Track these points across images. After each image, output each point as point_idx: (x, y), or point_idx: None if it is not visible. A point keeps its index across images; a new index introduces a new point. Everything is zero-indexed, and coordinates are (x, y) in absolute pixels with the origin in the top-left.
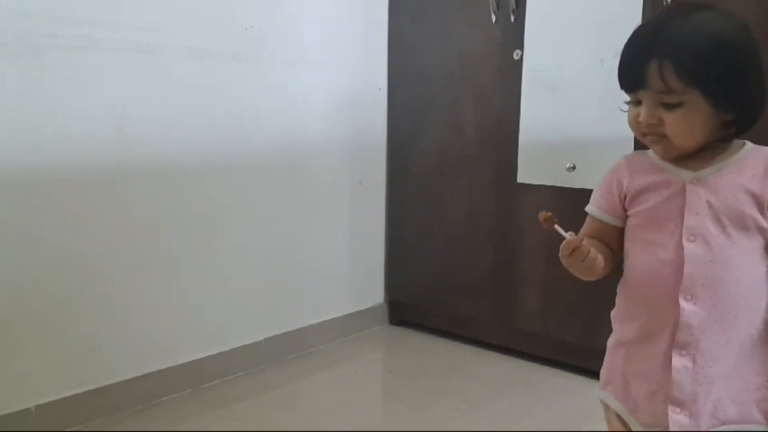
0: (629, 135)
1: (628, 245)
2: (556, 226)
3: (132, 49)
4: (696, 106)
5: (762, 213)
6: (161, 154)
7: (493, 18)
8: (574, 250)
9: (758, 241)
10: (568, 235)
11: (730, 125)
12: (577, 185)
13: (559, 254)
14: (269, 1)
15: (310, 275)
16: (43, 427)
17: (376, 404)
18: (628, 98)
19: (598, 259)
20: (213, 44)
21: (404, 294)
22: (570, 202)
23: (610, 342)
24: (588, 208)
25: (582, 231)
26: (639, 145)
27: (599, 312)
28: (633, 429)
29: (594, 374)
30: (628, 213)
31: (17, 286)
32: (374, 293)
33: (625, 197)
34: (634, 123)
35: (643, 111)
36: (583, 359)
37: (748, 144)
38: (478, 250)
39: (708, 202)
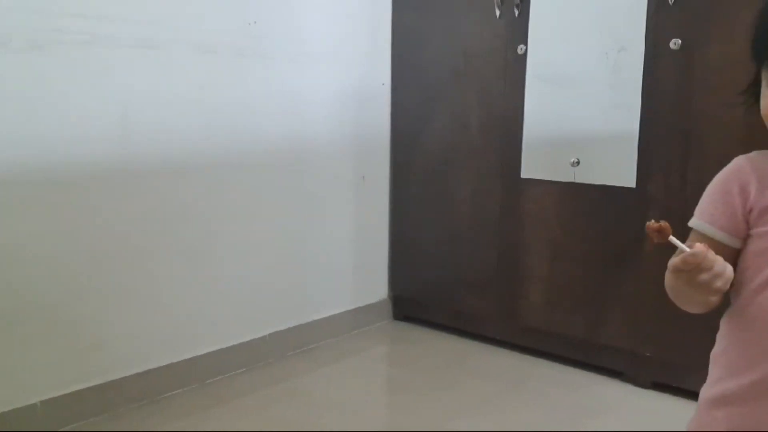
0: (634, 130)
1: (751, 274)
2: (672, 238)
3: (136, 44)
4: None
5: None
6: (165, 149)
7: (498, 13)
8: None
9: None
10: (687, 248)
11: None
12: (581, 180)
13: (671, 272)
14: None
15: (314, 271)
16: (48, 423)
17: (381, 399)
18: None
19: (727, 271)
20: (217, 39)
21: (408, 289)
22: (574, 198)
23: (705, 395)
24: (696, 223)
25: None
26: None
27: (603, 307)
28: None
29: (598, 369)
30: (752, 232)
31: (22, 282)
32: (378, 289)
33: (750, 211)
34: None
35: None
36: (587, 354)
37: None
38: (482, 245)
39: None
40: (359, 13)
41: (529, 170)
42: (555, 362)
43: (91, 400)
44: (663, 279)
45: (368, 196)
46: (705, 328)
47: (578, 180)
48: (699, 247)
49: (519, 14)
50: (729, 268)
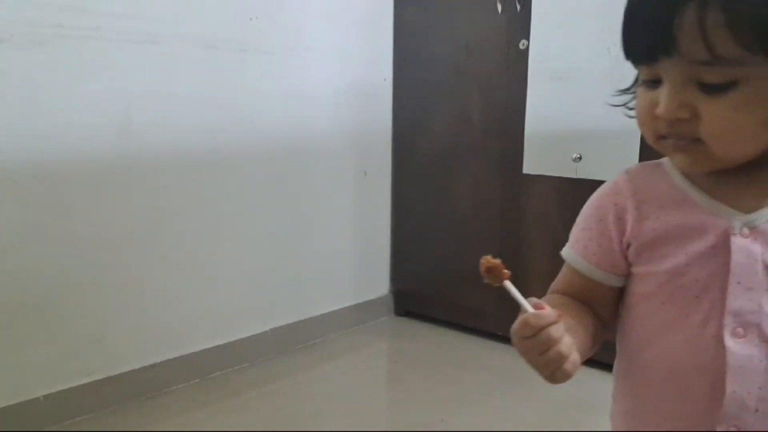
0: (636, 126)
1: (636, 321)
2: (508, 284)
3: (138, 39)
4: (757, 90)
5: None
6: (167, 144)
7: (499, 8)
8: (537, 331)
9: None
10: (528, 305)
11: None
12: (582, 176)
13: (512, 332)
14: None
15: (316, 266)
16: (50, 417)
17: (382, 394)
18: (633, 79)
19: (569, 359)
20: (219, 34)
21: (410, 285)
22: (575, 194)
23: None
24: (568, 254)
25: (555, 285)
26: (648, 150)
27: None
28: None
29: (597, 364)
30: (633, 271)
31: (25, 276)
32: (380, 284)
33: (629, 246)
34: (647, 116)
35: (664, 95)
36: None
37: None
38: (484, 240)
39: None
40: (361, 8)
41: (530, 166)
42: None
43: (93, 395)
44: None
45: (370, 192)
46: None
47: (580, 175)
48: (538, 311)
49: (521, 9)
50: (572, 356)
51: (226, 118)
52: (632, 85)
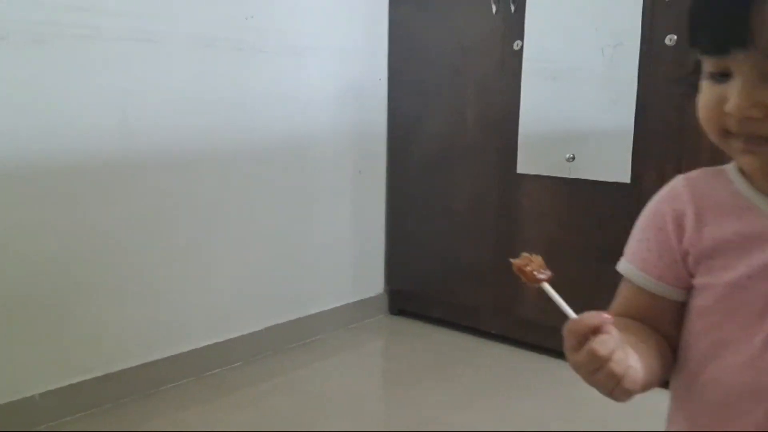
0: (630, 126)
1: (690, 340)
2: (547, 287)
3: (135, 37)
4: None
5: None
6: (164, 142)
7: (494, 8)
8: (582, 340)
9: None
10: (570, 310)
11: None
12: (576, 176)
13: (565, 348)
14: None
15: (311, 265)
16: (47, 415)
17: (377, 393)
18: (692, 68)
19: (625, 377)
20: (215, 33)
21: (405, 283)
22: (569, 193)
23: None
24: (625, 268)
25: (613, 306)
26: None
27: (598, 301)
28: None
29: None
30: (694, 282)
31: (23, 273)
32: (375, 283)
33: (687, 254)
34: (713, 112)
35: (736, 91)
36: None
37: None
38: (479, 239)
39: None
40: (356, 8)
41: (525, 165)
42: (551, 356)
43: (89, 393)
44: None
45: (365, 191)
46: None
47: (573, 175)
48: (606, 333)
49: (515, 10)
50: (632, 371)
51: (223, 117)
52: (690, 74)
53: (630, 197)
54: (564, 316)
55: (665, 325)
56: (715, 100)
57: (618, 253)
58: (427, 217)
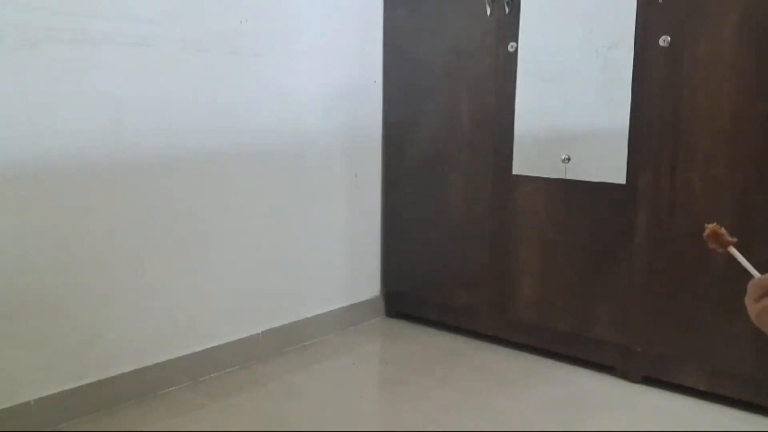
0: (625, 127)
1: None
2: (732, 249)
3: (128, 42)
4: None
5: None
6: (158, 146)
7: (488, 10)
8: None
9: None
10: (754, 269)
11: None
12: (571, 177)
13: (746, 301)
14: None
15: (307, 268)
16: (42, 421)
17: (374, 395)
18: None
19: None
20: (209, 37)
21: (401, 286)
22: (565, 194)
23: None
24: None
25: None
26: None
27: (594, 302)
28: None
29: (588, 363)
30: None
31: (17, 279)
32: (371, 286)
33: None
34: None
35: None
36: (578, 349)
37: None
38: (474, 241)
39: None
40: (350, 11)
41: (520, 167)
42: (546, 357)
43: (85, 398)
44: (653, 274)
45: (361, 194)
46: (694, 323)
47: (569, 176)
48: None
49: (509, 12)
50: None
51: (218, 120)
52: None
53: (625, 198)
54: (558, 313)
55: None
56: None
57: (614, 253)
58: (422, 220)
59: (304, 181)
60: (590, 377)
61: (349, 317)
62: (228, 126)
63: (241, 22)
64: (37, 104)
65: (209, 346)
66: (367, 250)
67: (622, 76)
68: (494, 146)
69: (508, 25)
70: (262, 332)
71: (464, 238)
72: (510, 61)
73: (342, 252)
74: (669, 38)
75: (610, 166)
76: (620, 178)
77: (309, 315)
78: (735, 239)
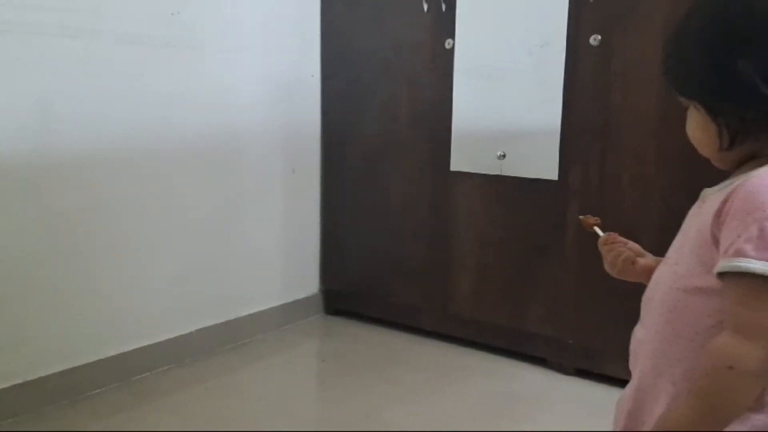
0: (557, 124)
1: None
2: (596, 228)
3: (56, 33)
4: (695, 108)
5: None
6: (87, 141)
7: (425, 7)
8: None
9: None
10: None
11: (728, 133)
12: (507, 173)
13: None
14: None
15: (243, 265)
16: None
17: (312, 394)
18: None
19: (636, 262)
20: (141, 29)
21: (340, 283)
22: (501, 190)
23: None
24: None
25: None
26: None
27: (527, 295)
28: None
29: (523, 356)
30: None
31: None
32: (309, 283)
33: None
34: None
35: None
36: (512, 342)
37: (756, 171)
38: (413, 237)
39: (692, 226)
40: (288, 5)
41: (457, 163)
42: (484, 351)
43: (10, 400)
44: (584, 267)
45: (298, 189)
46: (624, 315)
47: (504, 173)
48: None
49: (446, 9)
50: (644, 262)
51: (149, 114)
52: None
53: (557, 193)
54: (494, 307)
55: None
56: None
57: (547, 247)
58: (361, 216)
59: (240, 177)
60: (525, 370)
61: (286, 315)
62: (160, 121)
63: (172, 14)
64: None
65: (140, 345)
66: (305, 247)
67: (555, 74)
68: (432, 142)
69: (445, 22)
70: (196, 331)
71: (403, 234)
72: (447, 58)
73: (279, 249)
74: (600, 37)
75: (543, 163)
76: (553, 174)
77: (245, 313)
78: (597, 220)
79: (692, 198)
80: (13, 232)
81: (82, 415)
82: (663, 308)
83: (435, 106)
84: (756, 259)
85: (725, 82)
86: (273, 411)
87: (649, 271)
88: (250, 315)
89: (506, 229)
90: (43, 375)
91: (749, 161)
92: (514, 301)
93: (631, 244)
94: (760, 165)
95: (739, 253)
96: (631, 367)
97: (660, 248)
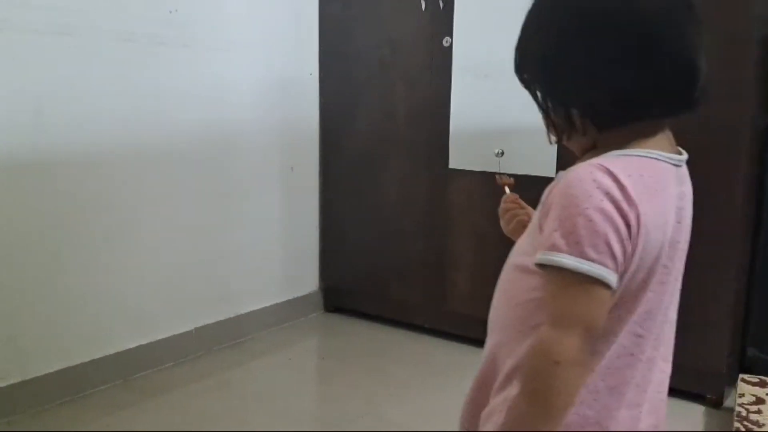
0: None
1: None
2: (507, 189)
3: (51, 30)
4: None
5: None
6: (82, 139)
7: (423, 5)
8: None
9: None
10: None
11: (554, 129)
12: (505, 171)
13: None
14: None
15: (243, 263)
16: None
17: (312, 391)
18: None
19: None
20: (136, 27)
21: (338, 280)
22: (498, 188)
23: None
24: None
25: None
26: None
27: None
28: None
29: None
30: None
31: None
32: (308, 280)
33: None
34: None
35: None
36: None
37: (577, 165)
38: (411, 234)
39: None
40: (285, 3)
41: (456, 161)
42: (480, 348)
43: (6, 400)
44: None
45: (297, 187)
46: None
47: (502, 170)
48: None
49: (444, 7)
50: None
51: (145, 113)
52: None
53: None
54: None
55: None
56: None
57: None
58: (360, 214)
59: (238, 176)
60: None
61: (286, 313)
62: (156, 119)
63: (170, 12)
64: None
65: (140, 343)
66: (304, 244)
67: None
68: (430, 140)
69: (443, 20)
70: (196, 329)
71: (401, 232)
72: (445, 56)
73: (278, 247)
74: None
75: (541, 160)
76: (551, 171)
77: (244, 311)
78: (511, 180)
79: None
80: (9, 231)
81: (82, 413)
82: (501, 278)
83: (433, 104)
84: (567, 253)
85: (547, 84)
86: (272, 408)
87: None
88: (250, 313)
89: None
90: (42, 373)
91: (591, 150)
92: None
93: (530, 209)
94: (597, 155)
95: (554, 248)
96: None
97: None
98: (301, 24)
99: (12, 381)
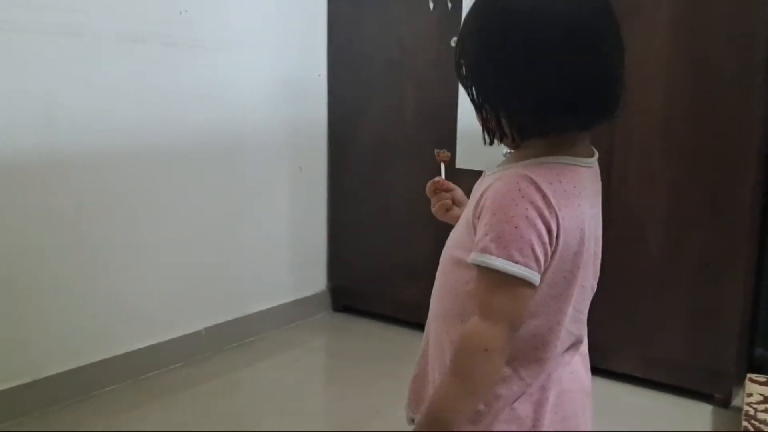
0: None
1: None
2: (442, 165)
3: (62, 31)
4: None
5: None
6: (92, 139)
7: (431, 5)
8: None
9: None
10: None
11: (486, 131)
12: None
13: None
14: None
15: (252, 263)
16: None
17: (320, 390)
18: None
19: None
20: (146, 27)
21: (347, 280)
22: None
23: None
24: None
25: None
26: None
27: None
28: None
29: None
30: None
31: None
32: (317, 280)
33: None
34: None
35: None
36: None
37: (506, 172)
38: (419, 234)
39: (471, 200)
40: (294, 4)
41: (463, 161)
42: None
43: (16, 400)
44: None
45: (305, 187)
46: (630, 312)
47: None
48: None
49: (452, 7)
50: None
51: (155, 113)
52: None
53: None
54: None
55: None
56: None
57: None
58: (368, 213)
59: (247, 176)
60: None
61: (294, 312)
62: (166, 119)
63: (180, 13)
64: None
65: (150, 343)
66: (313, 244)
67: None
68: (438, 139)
69: (451, 20)
70: (205, 329)
71: (409, 231)
72: (453, 56)
73: (286, 246)
74: None
75: None
76: None
77: (253, 311)
78: (448, 156)
79: (698, 192)
80: (19, 231)
81: (91, 414)
82: (440, 266)
83: (441, 104)
84: (497, 256)
85: (478, 88)
86: (281, 408)
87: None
88: (258, 312)
89: None
90: (51, 374)
91: (518, 150)
92: None
93: (458, 191)
94: (521, 156)
95: (485, 250)
96: None
97: (666, 242)
98: (310, 25)
99: (21, 382)
